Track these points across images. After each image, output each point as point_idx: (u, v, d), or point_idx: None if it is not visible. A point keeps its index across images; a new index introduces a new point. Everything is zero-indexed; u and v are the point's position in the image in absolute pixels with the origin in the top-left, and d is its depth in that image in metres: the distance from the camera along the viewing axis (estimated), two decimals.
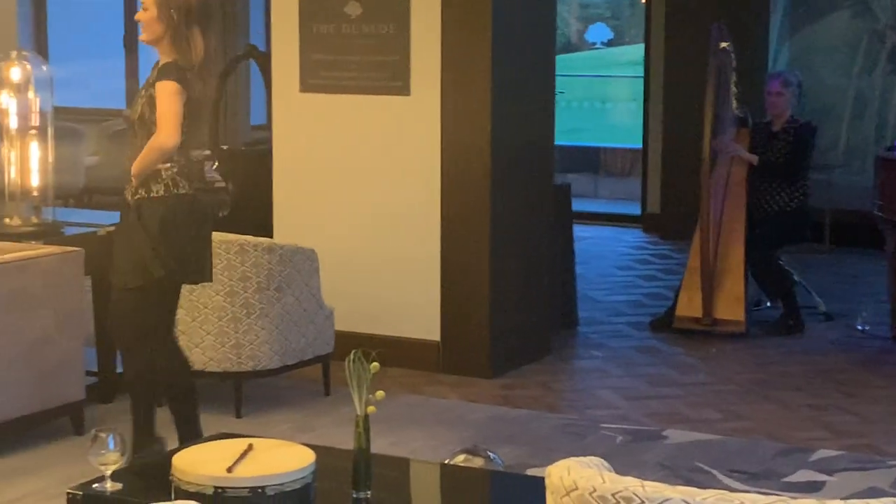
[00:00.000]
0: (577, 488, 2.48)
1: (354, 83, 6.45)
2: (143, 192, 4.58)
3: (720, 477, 4.86)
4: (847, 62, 9.92)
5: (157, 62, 4.67)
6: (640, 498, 2.39)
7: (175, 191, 4.59)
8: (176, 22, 4.56)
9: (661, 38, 10.38)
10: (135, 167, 4.59)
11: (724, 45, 7.18)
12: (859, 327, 7.25)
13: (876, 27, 9.83)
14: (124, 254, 4.59)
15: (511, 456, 4.97)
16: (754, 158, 7.33)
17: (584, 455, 2.73)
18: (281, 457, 3.39)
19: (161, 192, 4.58)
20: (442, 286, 6.34)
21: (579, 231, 8.83)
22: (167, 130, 4.49)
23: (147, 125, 4.58)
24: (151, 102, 4.56)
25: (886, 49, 9.83)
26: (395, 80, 6.35)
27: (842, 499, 2.56)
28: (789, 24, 10.09)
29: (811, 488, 4.75)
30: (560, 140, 11.02)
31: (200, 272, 4.73)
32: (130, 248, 4.55)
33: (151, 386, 4.76)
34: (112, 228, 5.71)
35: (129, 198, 4.61)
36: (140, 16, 4.62)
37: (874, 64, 9.84)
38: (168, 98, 4.50)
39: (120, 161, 11.79)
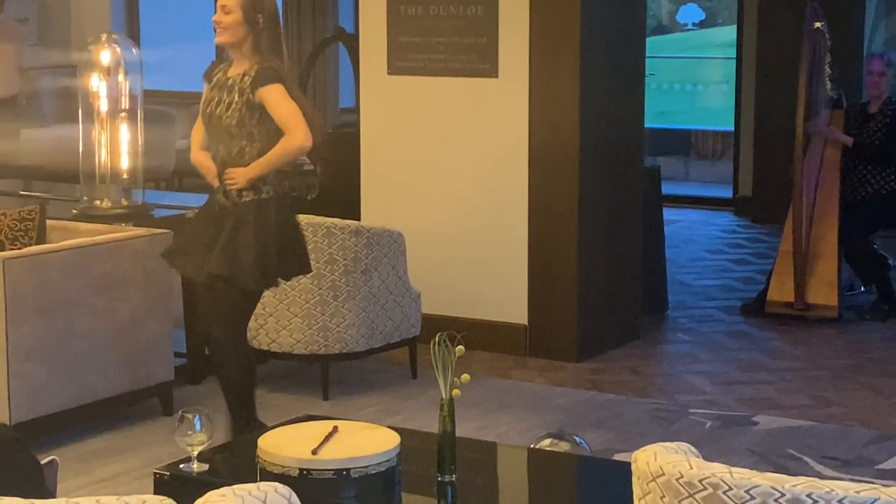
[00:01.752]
0: (663, 474, 2.45)
1: (442, 65, 6.42)
2: (253, 195, 4.61)
3: (812, 464, 4.78)
4: None
5: (222, 66, 4.70)
6: (727, 484, 2.35)
7: (281, 190, 4.67)
8: (261, 26, 4.58)
9: (754, 19, 10.23)
10: (256, 170, 4.58)
11: (817, 25, 7.05)
12: None
13: None
14: (232, 254, 4.57)
15: (598, 441, 4.94)
16: (849, 140, 7.20)
17: (672, 441, 2.69)
18: (366, 439, 3.39)
19: (270, 193, 4.63)
20: (529, 269, 6.31)
21: (670, 214, 8.74)
22: (302, 131, 4.55)
23: (248, 129, 4.59)
24: (251, 107, 4.57)
25: None
26: (484, 63, 6.31)
27: None
28: (885, 4, 9.88)
29: None
30: (650, 123, 10.92)
31: (306, 265, 4.82)
32: (240, 249, 4.56)
33: (252, 374, 4.83)
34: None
35: (233, 200, 4.61)
36: (221, 18, 4.59)
37: None
38: (284, 100, 4.56)
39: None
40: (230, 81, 4.63)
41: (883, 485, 2.31)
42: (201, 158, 4.77)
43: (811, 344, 6.62)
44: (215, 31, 4.64)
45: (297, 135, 4.54)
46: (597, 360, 6.28)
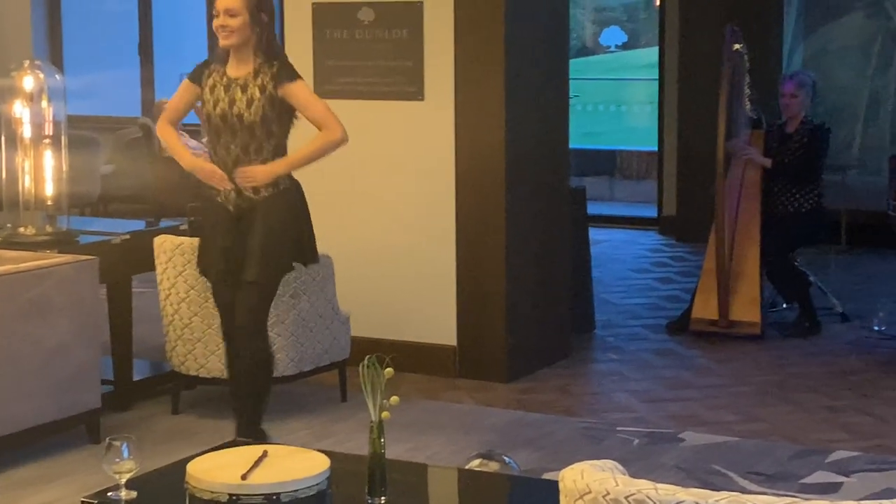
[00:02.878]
0: (590, 492, 2.48)
1: (368, 89, 6.45)
2: (272, 189, 4.80)
3: (737, 479, 4.84)
4: (861, 62, 9.90)
5: (215, 67, 4.79)
6: (653, 500, 2.39)
7: (295, 180, 4.91)
8: (267, 24, 4.77)
9: (676, 40, 10.38)
10: (289, 164, 4.82)
11: (737, 47, 7.17)
12: (876, 328, 7.23)
13: (890, 27, 9.80)
14: (267, 254, 4.78)
15: (528, 460, 4.97)
16: (767, 162, 7.31)
17: (601, 459, 2.72)
18: (296, 463, 3.39)
19: (288, 184, 4.86)
20: (458, 291, 6.34)
21: (595, 234, 8.82)
22: (339, 126, 4.83)
23: (268, 125, 4.76)
24: (272, 103, 4.72)
25: None
26: (409, 86, 6.36)
27: (858, 500, 2.55)
28: (803, 25, 10.07)
29: (828, 489, 4.74)
30: (576, 143, 11.01)
31: (314, 254, 5.08)
32: (270, 243, 4.76)
33: (269, 374, 4.89)
34: (127, 237, 5.74)
35: (249, 197, 4.78)
36: (227, 22, 4.72)
37: (888, 64, 9.81)
38: (312, 96, 4.86)
39: (134, 170, 11.82)
40: (241, 80, 4.73)
41: (805, 499, 2.35)
42: (200, 162, 4.83)
43: (735, 360, 6.71)
44: (219, 34, 4.76)
45: (335, 129, 4.81)
46: (526, 380, 6.32)
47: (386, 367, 3.27)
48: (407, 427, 5.40)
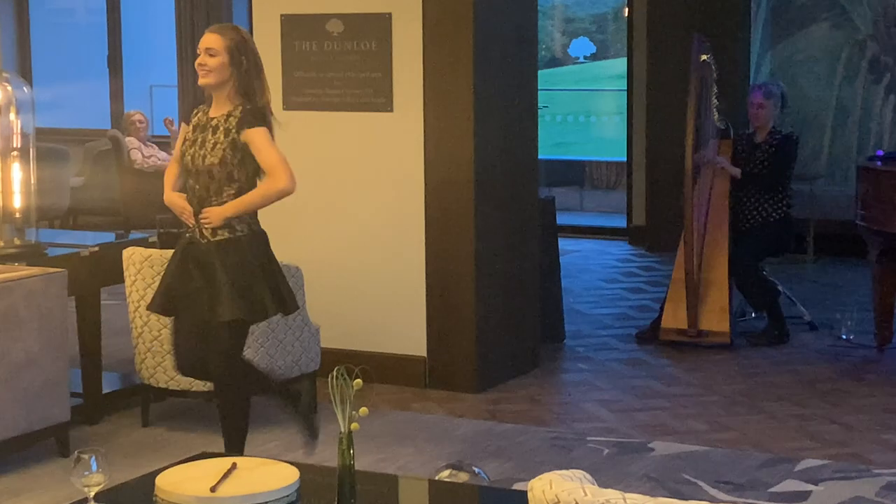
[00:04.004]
0: (559, 501, 2.49)
1: (337, 100, 6.46)
2: (227, 233, 4.73)
3: (706, 488, 4.87)
4: (828, 72, 9.97)
5: (201, 107, 4.81)
6: None
7: (256, 228, 4.82)
8: (245, 68, 4.74)
9: (644, 51, 10.43)
10: (232, 209, 4.71)
11: (704, 57, 7.21)
12: (844, 336, 7.28)
13: (856, 37, 9.87)
14: (218, 288, 4.68)
15: (498, 470, 4.99)
16: (737, 171, 7.36)
17: (571, 468, 2.73)
18: (265, 475, 3.39)
19: (245, 231, 4.77)
20: (427, 302, 6.35)
21: (565, 244, 8.85)
22: (287, 175, 4.71)
23: (228, 168, 4.71)
24: (234, 147, 4.69)
25: (867, 59, 9.87)
26: (378, 97, 6.37)
27: None
28: (770, 35, 10.13)
29: (797, 498, 4.77)
30: (546, 154, 11.04)
31: (294, 302, 4.94)
32: (221, 287, 4.67)
33: (246, 408, 4.89)
34: (95, 249, 5.73)
35: (207, 237, 4.73)
36: (206, 60, 4.72)
37: (855, 74, 9.89)
38: (270, 144, 4.73)
39: (104, 182, 11.78)
40: (213, 122, 4.75)
41: None
42: (175, 199, 4.86)
43: (705, 370, 6.74)
44: (199, 72, 4.76)
45: (281, 178, 4.70)
46: (496, 391, 6.33)
47: (355, 379, 3.27)
48: (377, 438, 5.41)
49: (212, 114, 4.78)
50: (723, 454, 5.31)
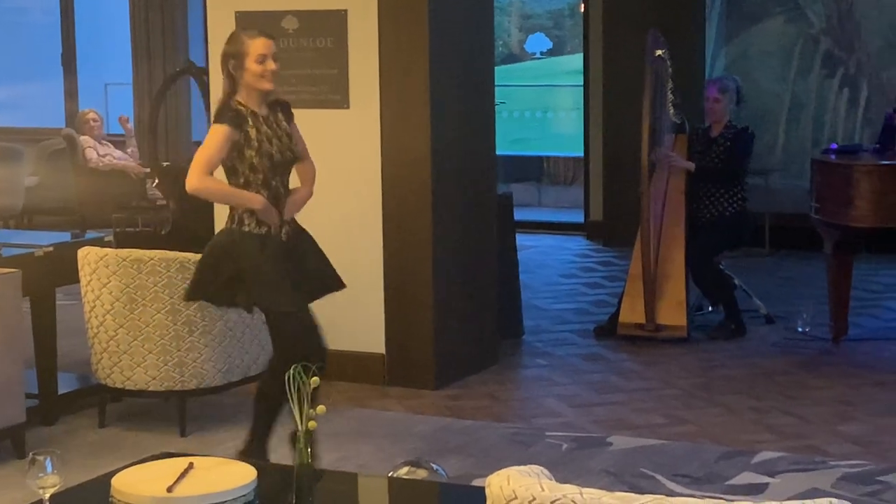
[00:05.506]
0: (516, 497, 2.49)
1: (293, 97, 6.40)
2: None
3: (664, 481, 4.89)
4: (783, 67, 10.04)
5: (239, 107, 4.82)
6: None
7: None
8: None
9: (600, 47, 10.46)
10: (305, 197, 5.00)
11: (659, 52, 7.24)
12: (800, 329, 7.32)
13: (810, 31, 9.94)
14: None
15: (457, 467, 4.99)
16: (691, 166, 7.39)
17: (530, 464, 2.74)
18: (222, 475, 3.37)
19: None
20: (385, 299, 6.34)
21: (524, 240, 8.87)
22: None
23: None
24: (290, 137, 4.91)
25: (820, 53, 9.95)
26: (334, 94, 6.35)
27: (782, 500, 2.59)
28: (725, 30, 10.19)
29: (754, 490, 4.79)
30: (504, 150, 11.03)
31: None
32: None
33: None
34: (50, 249, 5.69)
35: (286, 228, 4.89)
36: (274, 66, 4.84)
37: (809, 68, 9.96)
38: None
39: (58, 181, 11.68)
40: (268, 120, 4.85)
41: (730, 500, 2.38)
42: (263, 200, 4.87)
43: (662, 364, 6.77)
44: (266, 79, 4.81)
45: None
46: (455, 387, 6.33)
47: (312, 377, 3.26)
48: (336, 436, 5.39)
49: (256, 109, 4.83)
50: (680, 447, 5.34)
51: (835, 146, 7.54)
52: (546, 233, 11.15)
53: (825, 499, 2.41)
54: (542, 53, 22.61)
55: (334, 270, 5.10)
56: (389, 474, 3.83)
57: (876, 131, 8.04)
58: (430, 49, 6.17)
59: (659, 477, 4.95)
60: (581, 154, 11.29)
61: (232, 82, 4.83)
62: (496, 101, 6.99)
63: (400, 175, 6.27)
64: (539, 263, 9.68)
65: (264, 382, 5.01)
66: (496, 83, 6.93)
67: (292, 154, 4.92)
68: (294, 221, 4.98)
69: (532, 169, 13.82)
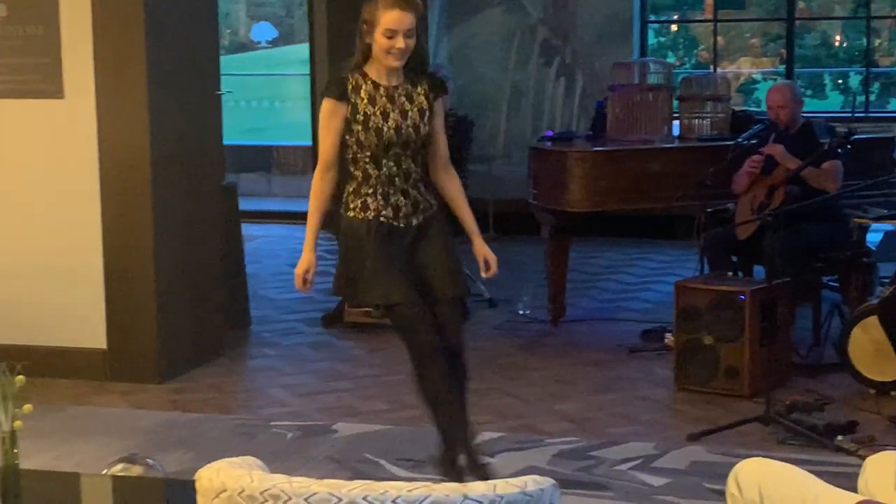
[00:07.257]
0: (225, 489, 2.49)
1: (3, 87, 6.21)
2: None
3: (387, 466, 4.95)
4: (503, 56, 10.28)
5: (355, 77, 4.51)
6: (287, 494, 2.42)
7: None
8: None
9: (325, 37, 10.47)
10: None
11: None
12: (521, 312, 7.52)
13: (528, 22, 10.21)
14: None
15: (179, 461, 4.93)
16: None
17: (254, 455, 2.74)
18: None
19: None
20: (106, 292, 6.20)
21: (253, 230, 8.82)
22: None
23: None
24: (424, 117, 4.48)
25: (538, 43, 10.23)
26: (47, 83, 6.16)
27: (502, 478, 2.66)
28: (447, 19, 10.36)
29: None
30: (233, 140, 10.92)
31: None
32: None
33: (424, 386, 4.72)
34: None
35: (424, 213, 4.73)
36: (408, 43, 4.42)
37: (528, 57, 10.23)
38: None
39: None
40: (397, 92, 4.46)
41: (437, 481, 2.43)
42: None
43: (388, 350, 6.82)
44: (394, 55, 4.42)
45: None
46: (180, 380, 6.25)
47: (17, 375, 3.17)
48: (51, 435, 5.24)
49: (389, 82, 4.47)
50: (404, 432, 5.41)
51: (550, 133, 7.76)
52: (277, 222, 11.10)
53: (526, 476, 2.50)
54: (268, 42, 22.49)
55: (450, 279, 4.80)
56: (103, 472, 3.75)
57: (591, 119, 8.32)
58: (146, 36, 6.05)
59: (382, 462, 5.01)
60: (309, 143, 11.29)
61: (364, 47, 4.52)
62: (222, 90, 6.92)
63: (118, 166, 6.13)
64: (268, 253, 9.64)
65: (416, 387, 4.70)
66: (224, 72, 6.86)
67: (416, 134, 4.49)
68: (427, 218, 4.71)
69: (262, 159, 13.73)
